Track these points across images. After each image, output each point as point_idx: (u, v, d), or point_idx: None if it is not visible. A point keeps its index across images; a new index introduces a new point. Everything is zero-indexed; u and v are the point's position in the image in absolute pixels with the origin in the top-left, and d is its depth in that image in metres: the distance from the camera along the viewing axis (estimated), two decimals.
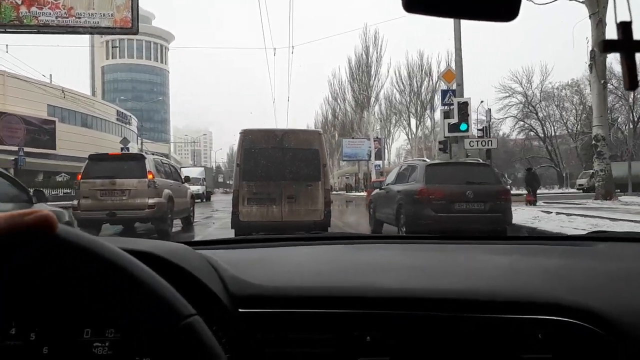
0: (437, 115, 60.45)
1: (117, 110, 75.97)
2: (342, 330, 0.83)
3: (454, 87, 17.19)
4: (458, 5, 0.69)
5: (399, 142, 66.42)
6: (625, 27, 0.65)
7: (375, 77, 52.65)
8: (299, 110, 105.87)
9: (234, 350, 0.75)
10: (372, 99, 52.56)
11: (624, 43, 0.65)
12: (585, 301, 0.82)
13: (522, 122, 55.16)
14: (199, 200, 30.69)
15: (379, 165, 47.42)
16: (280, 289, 0.89)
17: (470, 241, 1.39)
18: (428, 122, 58.12)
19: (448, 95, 17.60)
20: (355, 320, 0.84)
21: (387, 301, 0.86)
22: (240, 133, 8.84)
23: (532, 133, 56.15)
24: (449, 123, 15.06)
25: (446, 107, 17.49)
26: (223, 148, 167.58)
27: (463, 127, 14.67)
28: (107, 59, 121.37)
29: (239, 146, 8.75)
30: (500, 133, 53.19)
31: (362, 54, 53.50)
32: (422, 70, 56.71)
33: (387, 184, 10.88)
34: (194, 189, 28.03)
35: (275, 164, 8.61)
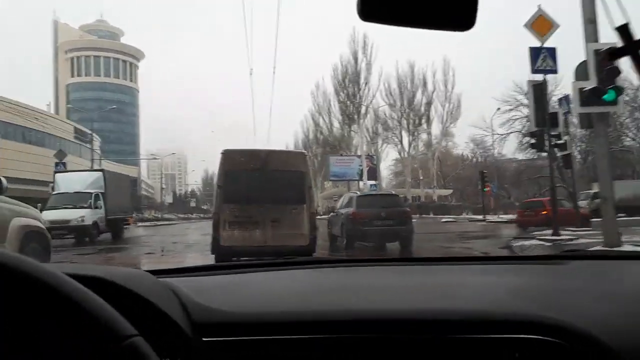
0: (434, 128, 55.07)
1: (75, 128, 67.99)
2: (312, 357, 0.79)
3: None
4: (414, 14, 0.67)
5: (386, 162, 59.44)
6: (622, 31, 0.63)
7: (365, 87, 46.21)
8: (280, 128, 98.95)
9: None
10: (363, 111, 45.95)
11: (627, 46, 0.63)
12: (560, 318, 0.81)
13: (527, 138, 49.09)
14: (87, 238, 17.89)
15: (375, 186, 40.53)
16: (247, 315, 0.84)
17: (447, 262, 1.43)
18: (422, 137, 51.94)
19: (541, 55, 10.85)
20: (325, 345, 0.79)
21: (360, 324, 0.82)
22: (221, 153, 8.55)
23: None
24: (581, 89, 8.08)
25: (541, 74, 10.80)
26: (196, 170, 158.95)
27: (610, 95, 7.71)
28: (72, 76, 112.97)
29: (220, 167, 8.51)
30: (504, 151, 47.09)
31: (349, 61, 47.12)
32: (413, 82, 50.68)
33: (337, 209, 14.24)
34: (71, 214, 17.43)
35: (259, 186, 8.18)
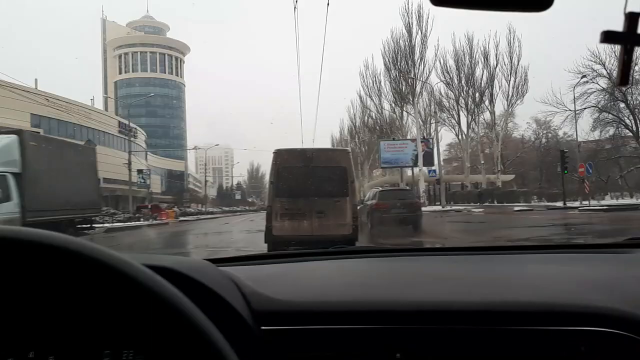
0: (498, 106, 48.95)
1: (120, 122, 66.51)
2: (370, 347, 0.78)
3: None
4: None
5: (440, 146, 54.22)
6: (632, 19, 0.61)
7: (420, 62, 41.37)
8: (326, 116, 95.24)
9: None
10: (418, 89, 41.21)
11: (627, 35, 0.62)
12: (628, 310, 0.77)
13: (605, 114, 42.82)
14: None
15: (435, 172, 35.98)
16: (304, 304, 0.85)
17: (503, 251, 1.37)
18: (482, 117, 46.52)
19: None
20: (384, 335, 0.79)
21: (417, 315, 0.81)
22: (273, 153, 9.18)
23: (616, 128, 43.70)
24: None
25: None
26: (241, 162, 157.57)
27: None
28: (119, 73, 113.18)
29: (272, 165, 9.11)
30: (579, 130, 41.04)
31: (402, 35, 42.37)
32: (472, 57, 45.37)
33: (364, 201, 17.23)
34: None
35: (306, 181, 8.85)
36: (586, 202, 28.35)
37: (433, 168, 38.21)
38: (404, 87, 42.36)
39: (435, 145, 41.90)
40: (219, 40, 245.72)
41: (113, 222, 30.05)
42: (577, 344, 0.74)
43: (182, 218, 45.63)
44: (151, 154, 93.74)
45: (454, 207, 34.65)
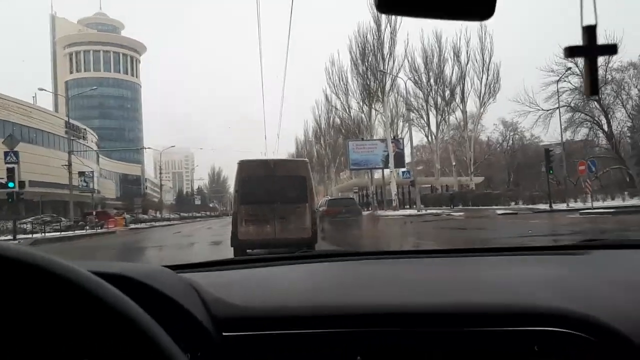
0: (470, 105, 46.88)
1: (66, 122, 61.19)
2: (331, 350, 0.78)
3: None
4: (432, 4, 0.66)
5: (408, 148, 51.74)
6: (590, 31, 0.63)
7: (390, 58, 38.68)
8: (291, 118, 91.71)
9: None
10: (388, 86, 38.46)
11: (589, 48, 0.63)
12: (581, 310, 0.78)
13: (578, 114, 41.37)
14: None
15: (409, 173, 33.22)
16: (265, 309, 0.84)
17: (464, 254, 1.38)
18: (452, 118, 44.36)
19: None
20: (345, 339, 0.79)
21: (377, 318, 0.81)
22: (237, 163, 9.73)
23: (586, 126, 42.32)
24: None
25: None
26: (200, 165, 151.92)
27: None
28: (71, 72, 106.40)
29: (236, 175, 9.58)
30: (550, 130, 39.28)
31: (370, 28, 39.57)
32: (441, 55, 43.15)
33: (317, 208, 17.18)
34: None
35: (269, 189, 9.23)
36: (575, 204, 26.12)
37: (406, 169, 35.51)
38: (372, 84, 39.52)
39: (408, 145, 39.17)
40: (177, 38, 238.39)
41: (45, 232, 25.65)
42: (531, 344, 0.75)
43: (133, 225, 41.41)
44: (105, 157, 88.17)
45: (430, 211, 31.98)
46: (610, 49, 0.65)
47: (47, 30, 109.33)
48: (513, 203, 35.40)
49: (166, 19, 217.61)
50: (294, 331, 0.80)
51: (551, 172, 26.46)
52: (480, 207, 34.73)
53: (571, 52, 0.63)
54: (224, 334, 0.77)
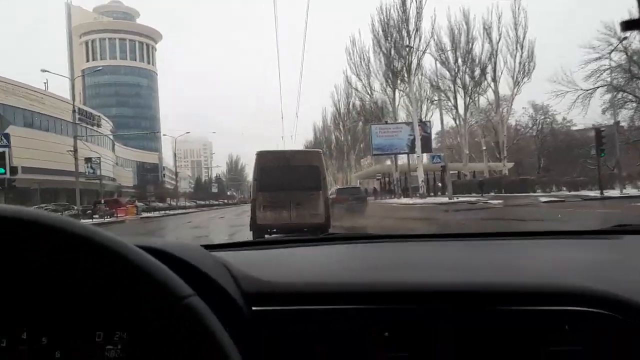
0: (502, 87, 42.27)
1: (79, 109, 59.45)
2: (359, 326, 0.80)
3: None
4: None
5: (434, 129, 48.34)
6: None
7: (415, 34, 35.58)
8: (309, 105, 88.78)
9: (248, 348, 0.73)
10: (414, 65, 35.41)
11: None
12: (613, 291, 0.78)
13: (621, 94, 37.67)
14: None
15: (440, 158, 30.32)
16: (292, 286, 0.87)
17: (493, 237, 1.38)
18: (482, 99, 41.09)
19: None
20: (372, 315, 0.80)
21: (404, 295, 0.82)
22: (256, 154, 10.32)
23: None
24: None
25: None
26: (216, 152, 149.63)
27: None
28: (87, 61, 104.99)
29: (255, 164, 10.27)
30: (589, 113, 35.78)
31: (394, 3, 36.50)
32: (469, 33, 39.88)
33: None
34: None
35: (285, 178, 9.80)
36: (630, 191, 23.03)
37: (436, 154, 32.53)
38: (397, 62, 36.48)
39: (440, 127, 35.90)
40: (193, 26, 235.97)
41: None
42: (561, 323, 0.76)
43: (145, 214, 39.40)
44: (121, 145, 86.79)
45: (462, 199, 29.14)
46: None
47: (62, 19, 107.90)
48: (552, 189, 32.32)
49: (181, 6, 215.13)
50: (321, 307, 0.81)
51: (603, 155, 23.34)
52: (516, 195, 31.76)
53: (628, 25, 0.60)
54: (253, 308, 0.79)
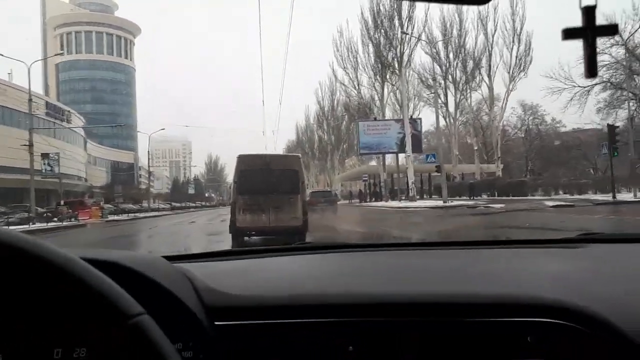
0: (497, 84, 41.69)
1: (48, 103, 55.65)
2: (323, 340, 0.78)
3: None
4: None
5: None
6: (589, 12, 0.62)
7: (408, 23, 33.07)
8: (292, 103, 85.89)
9: None
10: (406, 57, 32.86)
11: (587, 29, 0.62)
12: (576, 302, 0.78)
13: (619, 92, 35.72)
14: None
15: (434, 156, 27.74)
16: (258, 299, 0.84)
17: (462, 246, 1.38)
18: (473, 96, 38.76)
19: None
20: (337, 329, 0.79)
21: (369, 308, 0.81)
22: (237, 157, 10.32)
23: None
24: None
25: None
26: (196, 152, 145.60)
27: None
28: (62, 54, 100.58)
29: (236, 168, 10.24)
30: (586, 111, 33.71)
31: None
32: (461, 26, 37.60)
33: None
34: None
35: (264, 181, 9.88)
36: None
37: (432, 152, 29.96)
38: (388, 54, 33.87)
39: (435, 124, 33.06)
40: (172, 20, 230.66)
41: None
42: (524, 334, 0.76)
43: (112, 217, 36.11)
44: (94, 143, 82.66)
45: (458, 202, 26.65)
46: (610, 30, 0.64)
47: (37, 10, 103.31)
48: (552, 192, 30.08)
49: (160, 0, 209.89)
50: (286, 320, 0.79)
51: (615, 154, 21.03)
52: (514, 198, 29.45)
53: (568, 34, 0.61)
54: (216, 323, 0.77)
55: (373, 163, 58.05)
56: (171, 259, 0.98)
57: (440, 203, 26.06)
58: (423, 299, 0.82)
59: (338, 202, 45.27)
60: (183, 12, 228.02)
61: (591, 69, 0.62)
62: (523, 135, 54.07)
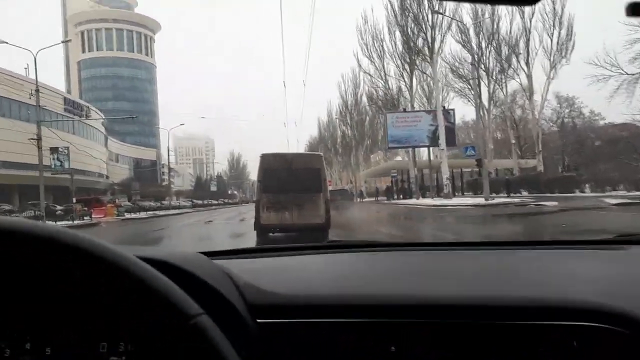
0: (537, 68, 38.05)
1: (66, 98, 54.54)
2: (365, 339, 0.78)
3: None
4: None
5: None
6: None
7: (439, 6, 30.37)
8: (315, 98, 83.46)
9: None
10: (437, 44, 30.25)
11: None
12: (621, 306, 0.77)
13: None
14: None
15: (473, 149, 25.19)
16: (299, 297, 0.84)
17: (497, 247, 1.37)
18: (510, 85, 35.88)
19: None
20: (378, 329, 0.79)
21: (412, 309, 0.81)
22: (260, 157, 10.65)
23: None
24: None
25: None
26: (219, 151, 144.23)
27: None
28: (83, 52, 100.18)
29: (259, 167, 10.52)
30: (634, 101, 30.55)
31: None
32: (493, 12, 34.72)
33: None
34: None
35: (287, 180, 10.02)
36: None
37: (471, 145, 27.35)
38: (417, 39, 31.31)
39: (480, 111, 29.89)
40: (192, 16, 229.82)
41: None
42: (570, 339, 0.74)
43: (129, 215, 34.48)
44: (116, 141, 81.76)
45: (501, 200, 24.06)
46: None
47: (58, 7, 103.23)
48: (606, 189, 27.16)
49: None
50: (327, 320, 0.79)
51: None
52: (559, 195, 26.68)
53: (634, 10, 0.56)
54: (258, 320, 0.77)
55: (398, 158, 55.61)
56: (209, 255, 0.96)
57: (480, 201, 23.51)
58: (465, 301, 0.81)
59: (364, 200, 43.36)
60: (202, 5, 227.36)
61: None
62: (558, 129, 50.84)
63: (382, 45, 36.94)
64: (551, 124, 52.59)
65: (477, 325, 0.77)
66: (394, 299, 0.82)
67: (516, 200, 23.36)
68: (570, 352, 0.74)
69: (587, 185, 28.12)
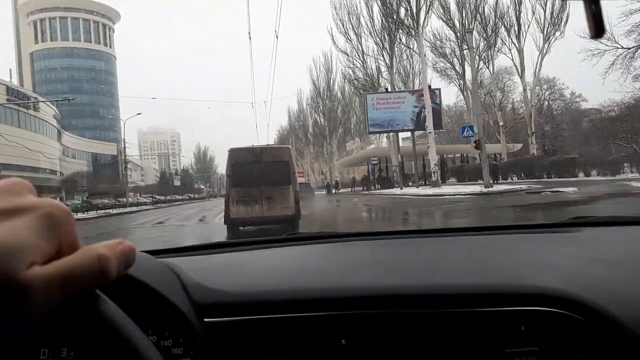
0: (529, 43, 36.50)
1: (9, 88, 48.87)
2: (316, 334, 0.77)
3: None
4: None
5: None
6: None
7: None
8: (283, 85, 79.66)
9: None
10: (423, 15, 26.69)
11: None
12: (569, 289, 0.77)
13: None
14: None
15: (471, 129, 21.84)
16: (248, 294, 0.82)
17: (452, 233, 1.34)
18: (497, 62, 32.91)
19: None
20: (330, 322, 0.77)
21: (363, 300, 0.80)
22: (228, 151, 10.53)
23: None
24: None
25: None
26: (185, 144, 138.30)
27: None
28: (36, 42, 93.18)
29: (228, 161, 10.43)
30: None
31: None
32: None
33: None
34: None
35: (256, 173, 10.16)
36: None
37: (469, 125, 24.02)
38: (399, 9, 27.68)
39: (473, 83, 26.63)
40: (154, 5, 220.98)
41: None
42: (518, 324, 0.74)
43: (75, 215, 29.99)
44: (72, 135, 76.05)
45: (503, 187, 20.92)
46: None
47: None
48: (597, 172, 24.39)
49: None
50: (277, 315, 0.78)
51: None
52: (558, 180, 23.78)
53: None
54: (205, 319, 0.75)
55: (373, 146, 52.38)
56: (155, 253, 0.93)
57: (476, 189, 20.28)
58: (415, 290, 0.80)
59: (340, 191, 39.99)
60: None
61: (598, 29, 0.56)
62: (537, 111, 48.58)
63: (358, 20, 33.37)
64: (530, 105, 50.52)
65: (430, 315, 0.77)
66: (345, 291, 0.80)
67: (523, 186, 20.21)
68: (519, 336, 0.73)
69: (591, 168, 25.25)
